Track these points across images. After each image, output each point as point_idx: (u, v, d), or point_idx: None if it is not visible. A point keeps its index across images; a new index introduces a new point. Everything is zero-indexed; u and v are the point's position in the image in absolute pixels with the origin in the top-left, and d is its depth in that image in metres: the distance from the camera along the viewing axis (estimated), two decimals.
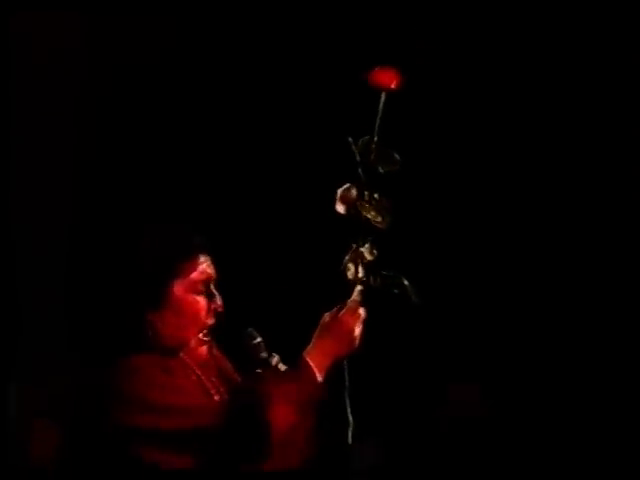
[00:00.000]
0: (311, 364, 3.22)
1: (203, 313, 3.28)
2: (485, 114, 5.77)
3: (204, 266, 3.29)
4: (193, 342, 3.27)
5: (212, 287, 3.29)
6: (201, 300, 3.26)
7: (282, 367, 3.31)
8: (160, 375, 3.20)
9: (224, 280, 3.35)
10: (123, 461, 3.15)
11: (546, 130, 5.94)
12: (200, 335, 3.27)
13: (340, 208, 3.28)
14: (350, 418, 3.31)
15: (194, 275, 3.26)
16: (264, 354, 3.31)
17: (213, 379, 3.32)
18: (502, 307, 5.69)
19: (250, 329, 3.33)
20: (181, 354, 3.25)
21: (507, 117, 5.85)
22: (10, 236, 5.89)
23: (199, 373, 3.29)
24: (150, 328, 3.23)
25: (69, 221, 6.01)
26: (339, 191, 3.28)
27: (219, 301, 3.28)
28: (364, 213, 3.28)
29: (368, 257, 3.29)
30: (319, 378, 3.21)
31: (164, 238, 3.34)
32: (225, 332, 3.36)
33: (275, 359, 3.31)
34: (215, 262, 3.33)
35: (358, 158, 3.28)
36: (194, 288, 3.25)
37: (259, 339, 3.31)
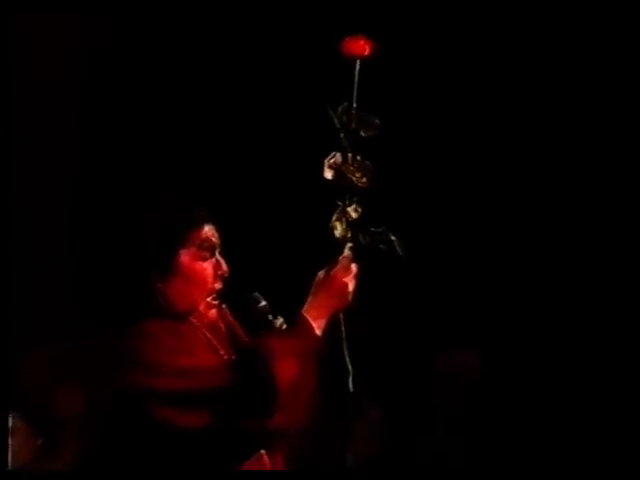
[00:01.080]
0: (309, 320, 3.21)
1: (210, 279, 3.26)
2: (458, 75, 5.60)
3: (208, 235, 3.26)
4: (202, 306, 3.26)
5: (217, 254, 3.27)
6: (207, 267, 3.25)
7: (284, 327, 3.31)
8: (172, 339, 3.18)
9: (228, 247, 3.32)
10: (140, 421, 3.12)
11: (516, 96, 5.74)
12: (209, 299, 3.26)
13: (328, 174, 3.26)
14: (350, 367, 3.27)
15: (199, 244, 3.24)
16: (269, 316, 3.31)
17: (222, 340, 3.32)
18: (493, 270, 5.62)
19: (255, 294, 3.32)
20: (191, 318, 3.24)
21: (479, 76, 5.68)
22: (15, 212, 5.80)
23: (209, 335, 3.28)
24: (161, 295, 3.20)
25: (72, 200, 5.89)
26: (326, 160, 3.25)
27: (224, 267, 3.26)
28: (349, 175, 3.24)
29: (353, 215, 3.25)
30: (317, 332, 3.20)
31: (169, 211, 3.31)
32: (233, 297, 3.33)
33: (279, 321, 3.31)
34: (218, 231, 3.30)
35: (337, 125, 3.24)
36: (200, 256, 3.23)
37: (264, 302, 3.31)
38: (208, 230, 3.28)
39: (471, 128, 5.67)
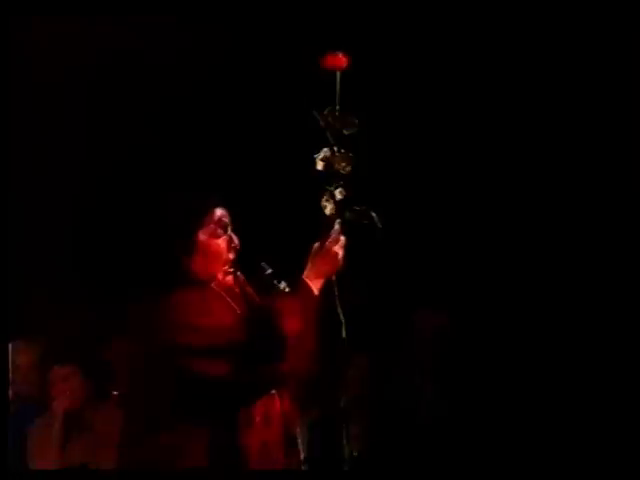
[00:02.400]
0: (308, 282, 3.29)
1: (224, 252, 3.31)
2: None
3: (220, 216, 3.32)
4: (220, 274, 3.32)
5: (229, 231, 3.32)
6: (221, 242, 3.29)
7: (287, 289, 3.34)
8: (197, 302, 3.23)
9: (241, 227, 3.36)
10: (175, 369, 3.16)
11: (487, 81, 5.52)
12: (225, 268, 3.31)
13: (318, 165, 3.33)
14: (342, 319, 3.33)
15: (213, 223, 3.29)
16: (274, 281, 3.34)
17: (238, 301, 3.35)
18: (471, 238, 5.50)
19: (263, 263, 3.35)
20: (212, 284, 3.29)
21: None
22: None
23: (227, 298, 3.32)
24: (186, 268, 3.26)
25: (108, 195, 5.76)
26: (316, 155, 3.33)
27: (236, 241, 3.30)
28: (335, 165, 3.31)
29: (339, 196, 3.32)
30: (315, 292, 3.27)
31: (187, 201, 3.36)
32: (245, 266, 3.36)
33: (282, 284, 3.34)
34: (229, 213, 3.35)
35: (322, 125, 3.31)
36: (214, 234, 3.28)
37: (270, 270, 3.34)
38: (220, 213, 3.32)
39: (438, 121, 5.49)
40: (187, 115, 5.62)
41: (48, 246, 5.66)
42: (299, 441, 3.37)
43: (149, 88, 5.60)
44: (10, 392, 5.03)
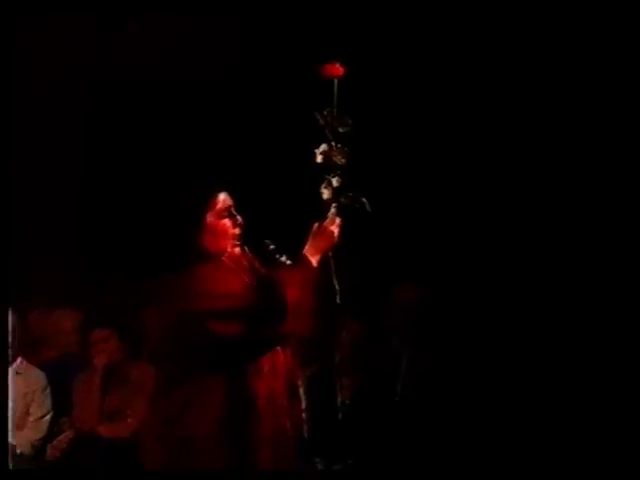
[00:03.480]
0: (308, 256, 3.30)
1: (230, 229, 3.32)
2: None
3: (223, 200, 3.33)
4: (229, 249, 3.33)
5: (233, 211, 3.33)
6: (227, 222, 3.31)
7: (288, 262, 3.36)
8: (212, 274, 3.25)
9: (252, 211, 3.36)
10: (196, 331, 3.18)
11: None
12: (232, 243, 3.33)
13: (318, 158, 3.35)
14: (337, 288, 3.35)
15: (218, 207, 3.31)
16: (277, 255, 3.36)
17: (246, 271, 3.36)
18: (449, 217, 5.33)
19: (267, 240, 3.38)
20: (223, 258, 3.31)
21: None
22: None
23: (237, 269, 3.34)
24: (200, 246, 3.27)
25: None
26: (317, 150, 3.36)
27: (239, 218, 3.32)
28: (333, 158, 3.33)
29: (335, 184, 3.35)
30: (314, 265, 3.29)
31: (194, 190, 3.36)
32: (252, 243, 3.36)
33: (284, 258, 3.36)
34: (232, 196, 3.35)
35: (322, 124, 3.34)
36: (220, 215, 3.30)
37: (273, 246, 3.36)
38: (223, 197, 3.32)
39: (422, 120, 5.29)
40: (202, 112, 5.42)
41: (90, 228, 5.61)
42: (301, 391, 3.40)
43: (160, 82, 5.41)
44: (55, 352, 5.17)
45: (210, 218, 3.29)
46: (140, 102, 5.34)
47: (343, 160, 3.34)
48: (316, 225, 3.34)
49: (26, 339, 4.99)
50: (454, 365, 4.53)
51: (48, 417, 4.83)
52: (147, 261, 3.41)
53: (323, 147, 3.34)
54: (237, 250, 3.34)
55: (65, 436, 4.77)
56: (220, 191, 3.33)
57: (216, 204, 3.30)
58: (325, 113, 3.33)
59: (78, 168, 5.59)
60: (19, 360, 4.87)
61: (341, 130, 3.33)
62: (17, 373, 4.82)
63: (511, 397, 4.52)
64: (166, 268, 3.31)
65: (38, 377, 4.90)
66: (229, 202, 3.32)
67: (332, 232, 3.33)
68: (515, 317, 4.81)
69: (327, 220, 3.33)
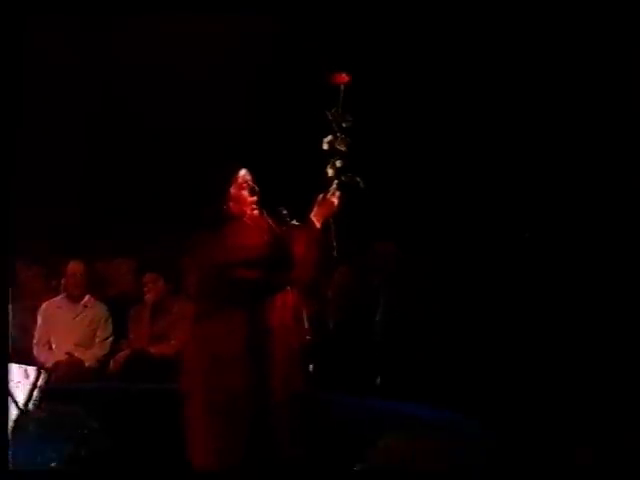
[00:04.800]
0: (314, 219, 3.32)
1: (248, 198, 3.35)
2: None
3: (243, 175, 3.36)
4: (249, 212, 3.35)
5: (251, 183, 3.36)
6: (245, 192, 3.34)
7: (297, 224, 3.38)
8: (236, 231, 3.30)
9: (271, 186, 3.36)
10: (225, 278, 3.23)
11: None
12: (252, 207, 3.36)
13: (325, 146, 3.39)
14: (335, 244, 3.37)
15: (239, 181, 3.34)
16: (289, 219, 3.37)
17: (263, 230, 3.36)
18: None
19: (281, 207, 3.39)
20: (244, 219, 3.35)
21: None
22: None
23: (256, 228, 3.35)
24: (227, 211, 3.32)
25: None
26: (325, 139, 3.39)
27: (256, 189, 3.34)
28: (336, 145, 3.37)
29: (338, 165, 3.38)
30: (318, 226, 3.32)
31: (220, 170, 3.40)
32: (269, 209, 3.39)
33: (294, 221, 3.37)
34: (251, 172, 3.36)
35: (330, 119, 3.38)
36: (241, 187, 3.33)
37: (286, 212, 3.38)
38: (243, 172, 3.33)
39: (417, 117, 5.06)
40: (232, 107, 5.23)
41: (145, 198, 5.51)
42: (305, 319, 3.40)
43: (197, 81, 5.21)
44: (115, 290, 5.24)
45: (233, 189, 3.32)
46: (184, 101, 5.22)
47: (344, 148, 3.36)
48: (320, 196, 3.34)
49: (93, 281, 5.05)
50: (421, 303, 4.42)
51: (110, 339, 4.90)
52: (187, 222, 3.43)
53: (329, 137, 3.36)
54: (256, 213, 3.35)
55: (123, 353, 4.83)
56: (240, 168, 3.34)
57: (237, 179, 3.32)
58: (332, 111, 3.35)
59: (141, 153, 5.46)
60: (87, 297, 4.94)
61: (344, 125, 3.35)
62: (85, 307, 4.91)
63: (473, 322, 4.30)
64: (201, 227, 3.34)
65: (102, 309, 4.96)
66: (248, 177, 3.33)
67: (333, 202, 3.33)
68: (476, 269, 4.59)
69: (329, 193, 3.34)
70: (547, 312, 4.18)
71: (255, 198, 3.32)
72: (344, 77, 3.36)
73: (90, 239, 5.27)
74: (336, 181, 3.36)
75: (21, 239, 4.95)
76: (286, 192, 3.40)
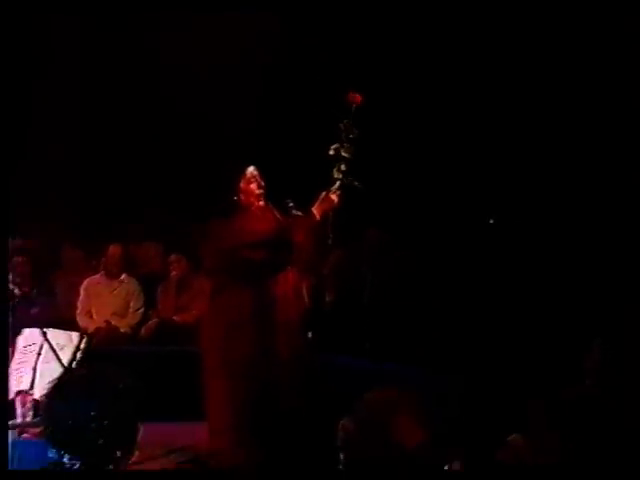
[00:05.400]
0: (314, 212, 3.36)
1: (255, 190, 3.34)
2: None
3: (251, 171, 3.37)
4: (256, 203, 3.35)
5: (257, 178, 3.34)
6: (253, 186, 3.34)
7: (300, 214, 3.38)
8: (244, 219, 3.32)
9: (280, 182, 3.37)
10: (236, 258, 3.25)
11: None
12: (258, 199, 3.35)
13: (331, 152, 3.36)
14: (331, 234, 3.40)
15: (247, 176, 3.36)
16: (294, 210, 3.39)
17: (269, 218, 3.38)
18: None
19: (287, 199, 3.41)
20: (252, 208, 3.37)
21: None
22: None
23: (262, 217, 3.36)
24: (236, 202, 3.32)
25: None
26: (332, 146, 3.38)
27: (262, 184, 3.33)
28: (342, 152, 3.36)
29: (342, 168, 3.37)
30: (317, 218, 3.35)
31: (232, 168, 3.39)
32: (276, 202, 3.40)
33: (299, 213, 3.39)
34: (258, 170, 3.34)
35: (340, 129, 3.36)
36: (249, 181, 3.36)
37: (292, 203, 3.40)
38: (251, 169, 3.36)
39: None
40: (252, 116, 4.97)
41: (169, 192, 5.32)
42: (304, 293, 3.43)
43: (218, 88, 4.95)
44: (146, 269, 5.17)
45: (242, 183, 3.36)
46: (207, 109, 5.07)
47: (349, 155, 3.38)
48: (323, 193, 3.36)
49: (127, 261, 5.06)
50: (402, 280, 4.34)
51: (142, 310, 4.92)
52: (203, 211, 3.43)
53: (336, 145, 3.38)
54: (261, 204, 3.36)
55: (152, 322, 4.88)
56: (248, 165, 3.38)
57: (246, 174, 3.36)
58: (343, 123, 3.36)
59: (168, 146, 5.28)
60: (124, 275, 4.96)
61: (351, 136, 3.37)
62: (121, 282, 4.93)
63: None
64: (216, 215, 3.35)
65: (135, 284, 4.99)
66: (255, 173, 3.37)
67: (333, 199, 3.36)
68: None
69: (331, 191, 3.35)
70: (506, 284, 4.09)
71: (261, 191, 3.37)
72: (357, 97, 3.36)
73: (123, 224, 5.21)
74: (338, 182, 3.36)
75: (68, 227, 5.10)
76: (296, 188, 3.39)
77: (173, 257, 5.01)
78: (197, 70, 5.00)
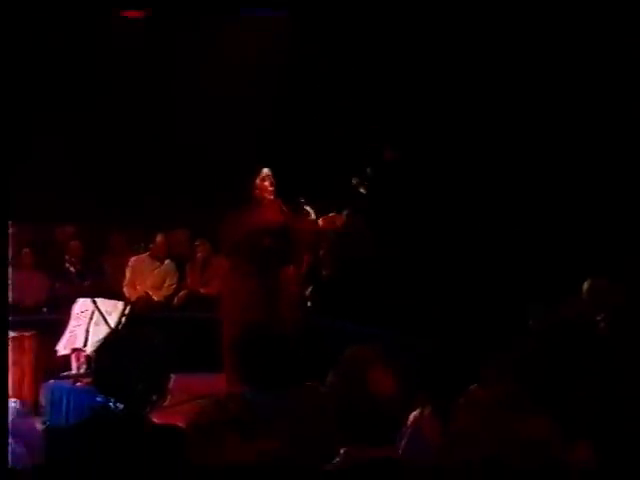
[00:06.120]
0: (320, 221, 3.40)
1: (268, 188, 3.37)
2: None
3: (266, 171, 3.38)
4: (268, 197, 3.39)
5: (271, 178, 3.38)
6: (267, 184, 3.37)
7: (310, 210, 3.38)
8: (258, 211, 3.36)
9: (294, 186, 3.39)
10: (248, 242, 3.26)
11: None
12: (270, 195, 3.38)
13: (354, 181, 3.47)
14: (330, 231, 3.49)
15: (262, 175, 3.37)
16: (305, 207, 3.41)
17: (277, 211, 3.41)
18: None
19: (300, 197, 3.41)
20: (264, 203, 3.39)
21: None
22: None
23: (272, 211, 3.39)
24: (251, 197, 3.33)
25: None
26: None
27: (274, 182, 3.34)
28: (359, 188, 3.43)
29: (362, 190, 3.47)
30: (320, 225, 3.43)
31: (250, 168, 3.37)
32: (287, 200, 3.40)
33: (308, 208, 3.42)
34: (271, 171, 3.35)
35: (368, 172, 3.46)
36: (263, 179, 3.40)
37: (303, 199, 3.43)
38: (265, 170, 3.40)
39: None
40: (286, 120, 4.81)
41: (194, 189, 5.18)
42: (303, 272, 3.54)
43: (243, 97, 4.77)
44: (176, 251, 5.06)
45: (257, 181, 3.39)
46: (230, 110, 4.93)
47: (364, 190, 3.50)
48: (331, 214, 3.43)
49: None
50: (379, 260, 4.08)
51: (174, 285, 5.03)
52: (223, 204, 3.43)
53: (356, 179, 3.49)
54: (272, 198, 3.40)
55: (183, 293, 5.01)
56: (262, 167, 3.38)
57: (260, 174, 3.39)
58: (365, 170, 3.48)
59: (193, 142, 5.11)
60: (167, 260, 4.96)
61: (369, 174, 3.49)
62: (160, 263, 4.95)
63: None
64: (233, 207, 3.38)
65: (170, 264, 5.10)
66: (268, 173, 3.40)
67: (335, 222, 3.43)
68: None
69: (337, 215, 3.42)
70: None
71: (272, 189, 3.41)
72: (390, 155, 3.46)
73: (159, 214, 5.20)
74: (346, 212, 3.47)
75: (115, 217, 5.12)
76: (305, 189, 3.36)
77: (199, 241, 5.12)
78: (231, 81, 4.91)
